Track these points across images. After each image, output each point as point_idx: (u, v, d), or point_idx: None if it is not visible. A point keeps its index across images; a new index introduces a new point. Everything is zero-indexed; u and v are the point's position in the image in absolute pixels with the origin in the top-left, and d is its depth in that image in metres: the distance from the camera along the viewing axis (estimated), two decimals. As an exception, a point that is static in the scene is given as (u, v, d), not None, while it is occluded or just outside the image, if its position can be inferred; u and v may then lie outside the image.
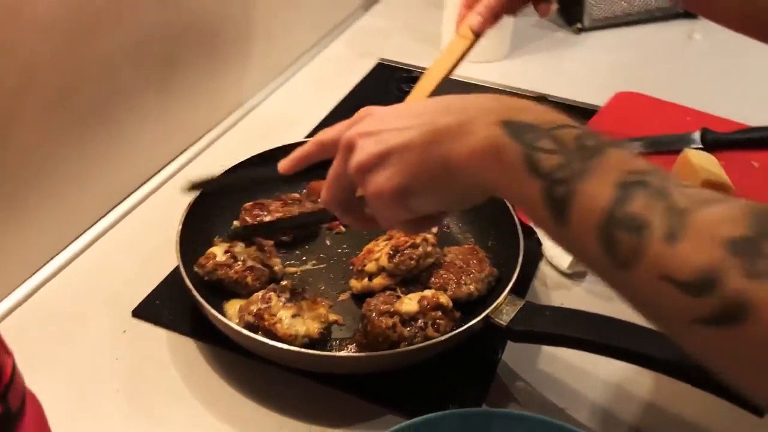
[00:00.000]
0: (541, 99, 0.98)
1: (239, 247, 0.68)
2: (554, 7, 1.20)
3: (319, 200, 0.65)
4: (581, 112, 0.97)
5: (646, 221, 0.36)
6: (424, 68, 0.75)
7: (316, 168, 0.54)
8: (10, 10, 0.60)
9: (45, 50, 0.64)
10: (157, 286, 0.70)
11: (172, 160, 0.87)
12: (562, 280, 0.73)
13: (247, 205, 0.74)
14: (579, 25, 1.19)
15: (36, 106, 0.65)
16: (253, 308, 0.63)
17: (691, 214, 0.35)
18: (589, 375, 0.63)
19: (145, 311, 0.67)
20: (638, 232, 0.36)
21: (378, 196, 0.47)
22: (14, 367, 0.35)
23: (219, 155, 0.88)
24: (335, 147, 0.50)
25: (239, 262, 0.66)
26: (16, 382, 0.35)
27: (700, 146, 0.91)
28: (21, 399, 0.36)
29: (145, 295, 0.69)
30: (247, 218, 0.73)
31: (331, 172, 0.50)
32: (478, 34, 0.75)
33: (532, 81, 1.05)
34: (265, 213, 0.74)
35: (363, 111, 0.50)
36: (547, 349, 0.66)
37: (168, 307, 0.68)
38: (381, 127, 0.47)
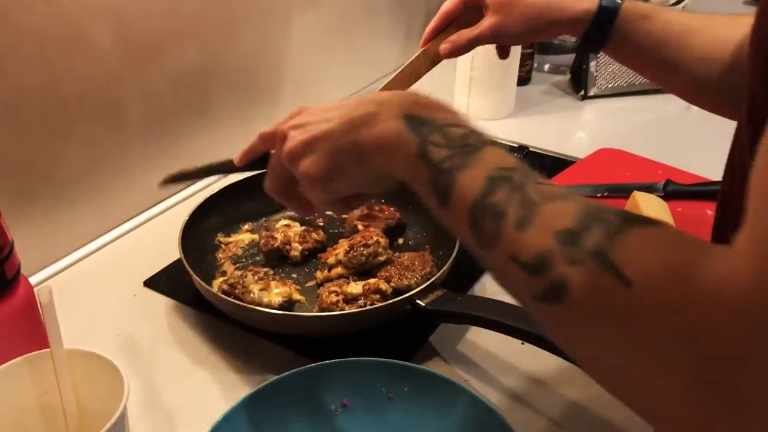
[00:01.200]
0: (522, 148, 1.12)
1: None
2: (567, 77, 1.35)
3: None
4: (559, 162, 1.10)
5: (503, 210, 0.42)
6: None
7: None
8: (74, 37, 0.81)
9: (98, 73, 0.85)
10: (165, 267, 0.87)
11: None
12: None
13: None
14: (582, 93, 1.33)
15: (91, 116, 0.86)
16: (231, 280, 0.79)
17: (538, 206, 0.41)
18: (499, 359, 0.74)
19: (153, 283, 0.85)
20: (497, 219, 0.43)
21: (306, 179, 0.55)
22: (12, 248, 0.52)
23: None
24: (273, 139, 0.59)
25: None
26: (11, 259, 0.52)
27: (661, 194, 1.02)
28: (16, 271, 0.52)
29: (155, 273, 0.86)
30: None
31: (271, 161, 0.60)
32: (443, 58, 0.83)
33: (528, 136, 1.19)
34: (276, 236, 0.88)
35: (297, 109, 0.58)
36: (470, 337, 0.77)
37: (170, 282, 0.84)
38: (308, 120, 0.55)
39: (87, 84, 0.84)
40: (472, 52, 1.17)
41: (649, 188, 1.03)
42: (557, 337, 0.41)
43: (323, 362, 0.66)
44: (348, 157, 0.53)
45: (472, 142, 0.47)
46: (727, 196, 0.56)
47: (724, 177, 0.57)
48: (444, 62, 0.94)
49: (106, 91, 0.87)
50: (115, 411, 0.45)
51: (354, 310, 0.75)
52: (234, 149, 1.08)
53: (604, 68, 1.33)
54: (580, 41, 0.79)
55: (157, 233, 0.95)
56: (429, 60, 0.84)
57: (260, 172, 0.66)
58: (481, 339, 0.77)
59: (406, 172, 0.50)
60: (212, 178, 0.97)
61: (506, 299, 0.70)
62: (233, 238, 0.92)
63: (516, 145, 1.14)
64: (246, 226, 0.93)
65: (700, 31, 0.76)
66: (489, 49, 1.19)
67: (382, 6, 1.34)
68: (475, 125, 0.50)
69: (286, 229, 0.89)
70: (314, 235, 0.89)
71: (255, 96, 1.10)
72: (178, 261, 0.86)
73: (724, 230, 0.57)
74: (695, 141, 1.19)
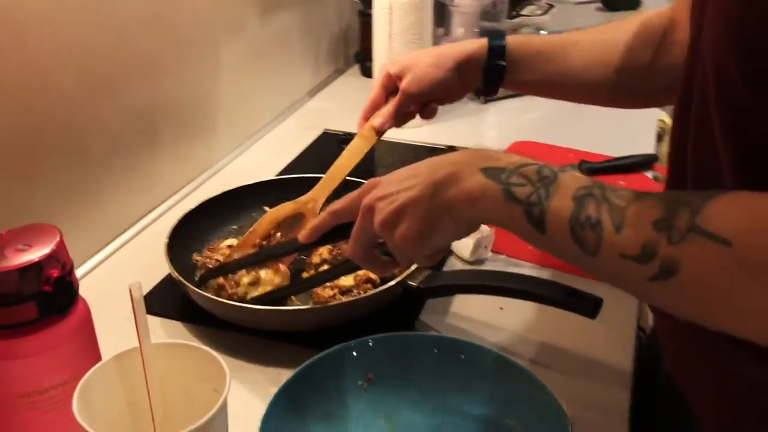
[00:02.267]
0: (451, 149, 1.23)
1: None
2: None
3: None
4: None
5: (598, 220, 0.50)
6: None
7: (330, 235, 0.72)
8: (41, 82, 0.83)
9: (61, 113, 0.87)
10: (150, 290, 0.89)
11: (154, 208, 1.08)
12: (465, 266, 0.94)
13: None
14: (484, 96, 1.47)
15: (53, 154, 0.87)
16: (221, 281, 0.84)
17: (626, 209, 0.49)
18: (484, 323, 0.84)
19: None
20: (595, 229, 0.50)
21: (403, 243, 0.61)
22: (72, 266, 0.55)
23: (191, 205, 1.09)
24: (347, 214, 0.65)
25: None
26: (73, 273, 0.55)
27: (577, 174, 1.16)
28: (77, 286, 0.55)
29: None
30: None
31: (354, 232, 0.64)
32: (380, 134, 0.92)
33: (447, 139, 1.30)
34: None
35: (369, 183, 0.63)
36: (454, 310, 0.86)
37: (160, 302, 0.86)
38: (390, 190, 0.60)
39: (50, 124, 0.86)
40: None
41: (566, 169, 1.17)
42: (675, 306, 0.50)
43: (340, 345, 0.72)
44: (440, 216, 0.59)
45: (547, 174, 0.55)
46: (677, 177, 0.65)
47: (670, 163, 0.68)
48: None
49: (69, 129, 0.89)
50: (209, 402, 0.49)
51: (354, 297, 0.81)
52: (183, 175, 1.12)
53: (501, 73, 1.48)
54: (482, 84, 0.91)
55: (130, 261, 0.97)
56: (368, 140, 0.93)
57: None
58: (465, 310, 0.86)
59: (498, 216, 0.56)
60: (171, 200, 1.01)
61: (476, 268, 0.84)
62: (210, 253, 0.94)
63: (445, 147, 1.25)
64: (227, 242, 0.95)
65: (578, 43, 0.88)
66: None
67: (293, 34, 1.42)
68: (538, 161, 0.58)
69: (231, 250, 0.91)
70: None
71: (197, 124, 1.15)
72: (161, 282, 0.90)
73: None
74: (589, 126, 1.36)
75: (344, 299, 0.82)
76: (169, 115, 1.07)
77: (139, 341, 0.50)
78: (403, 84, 0.91)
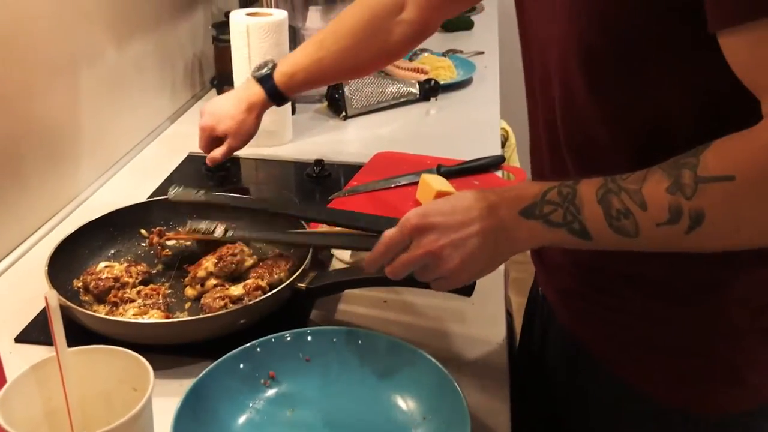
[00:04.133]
0: (319, 162, 1.29)
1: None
2: (324, 104, 1.55)
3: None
4: (350, 168, 1.30)
5: (626, 209, 0.61)
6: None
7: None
8: None
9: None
10: (32, 320, 0.87)
11: (20, 244, 1.04)
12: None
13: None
14: (344, 114, 1.54)
15: None
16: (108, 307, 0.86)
17: (641, 189, 0.60)
18: (372, 316, 0.90)
19: (26, 336, 0.85)
20: (628, 216, 0.61)
21: (456, 281, 0.70)
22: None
23: (59, 238, 1.07)
24: (399, 249, 0.69)
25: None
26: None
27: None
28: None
29: (23, 327, 0.86)
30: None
31: (408, 262, 0.69)
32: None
33: (313, 154, 1.36)
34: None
35: (419, 221, 0.68)
36: (342, 308, 0.91)
37: (45, 331, 0.83)
38: (452, 237, 0.67)
39: None
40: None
41: (428, 173, 1.26)
42: (715, 243, 0.61)
43: (240, 348, 0.75)
44: (498, 261, 0.70)
45: (567, 191, 0.65)
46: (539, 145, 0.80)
47: (532, 137, 0.82)
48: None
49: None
50: (130, 402, 0.51)
51: (246, 304, 0.84)
52: (49, 207, 1.09)
53: (356, 91, 1.56)
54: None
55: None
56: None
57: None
58: (352, 306, 0.91)
59: (548, 242, 0.67)
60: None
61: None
62: (88, 276, 0.91)
63: (312, 161, 1.31)
64: (102, 264, 0.94)
65: (325, 57, 1.11)
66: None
67: (149, 61, 1.42)
68: (538, 182, 0.68)
69: (110, 269, 0.91)
70: (139, 267, 0.93)
71: (60, 153, 1.12)
72: (39, 315, 0.88)
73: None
74: (441, 134, 1.47)
75: (234, 307, 0.84)
76: (31, 146, 1.05)
77: (56, 349, 0.51)
78: (231, 141, 1.19)
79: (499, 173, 1.30)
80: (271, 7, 1.60)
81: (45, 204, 1.09)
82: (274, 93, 1.15)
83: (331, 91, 1.57)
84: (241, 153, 1.37)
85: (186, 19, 1.59)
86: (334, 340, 0.76)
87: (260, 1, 1.66)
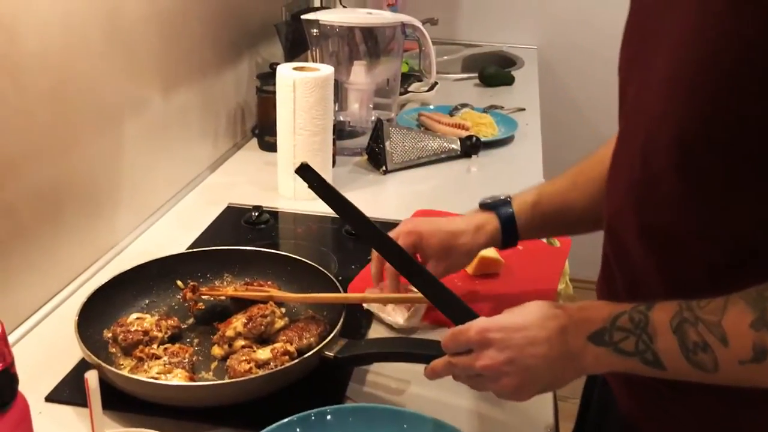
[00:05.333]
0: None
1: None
2: (364, 157, 1.54)
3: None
4: (390, 226, 1.26)
5: (704, 342, 0.57)
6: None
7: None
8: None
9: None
10: (63, 378, 0.85)
11: (59, 291, 1.03)
12: (389, 333, 0.97)
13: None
14: (384, 168, 1.53)
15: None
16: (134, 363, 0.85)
17: (721, 322, 0.56)
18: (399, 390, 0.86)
19: (57, 395, 0.82)
20: (706, 350, 0.57)
21: (509, 396, 0.70)
22: (13, 360, 0.52)
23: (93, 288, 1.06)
24: (462, 346, 0.70)
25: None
26: (14, 365, 0.52)
27: (479, 239, 1.23)
28: (16, 378, 0.52)
29: (54, 385, 0.84)
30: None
31: (466, 367, 0.70)
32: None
33: (352, 209, 1.34)
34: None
35: (483, 330, 0.68)
36: (372, 381, 0.87)
37: (74, 391, 0.83)
38: (512, 356, 0.66)
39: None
40: (293, 141, 1.33)
41: (469, 235, 1.23)
42: None
43: (276, 425, 0.71)
44: (562, 383, 0.68)
45: (638, 318, 0.61)
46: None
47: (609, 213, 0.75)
48: (255, 159, 1.05)
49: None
50: None
51: (270, 371, 0.81)
52: (88, 253, 1.08)
53: (397, 146, 1.55)
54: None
55: (36, 349, 0.92)
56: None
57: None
58: (384, 380, 0.88)
59: (618, 370, 0.64)
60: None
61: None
62: (118, 328, 0.89)
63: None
64: (134, 315, 0.93)
65: (575, 184, 0.93)
66: (308, 137, 1.35)
67: (193, 110, 1.43)
68: (609, 303, 0.65)
69: (140, 321, 0.90)
70: (170, 321, 0.92)
71: (100, 201, 1.12)
72: (74, 369, 0.86)
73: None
74: (478, 193, 1.44)
75: (260, 372, 0.81)
76: (73, 194, 1.04)
77: (94, 428, 0.48)
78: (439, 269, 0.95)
79: (544, 239, 1.26)
80: (316, 61, 1.61)
81: (82, 254, 1.09)
82: (508, 222, 0.94)
83: (371, 145, 1.56)
84: (279, 206, 1.36)
85: (231, 68, 1.60)
86: (375, 419, 0.73)
87: (306, 54, 1.68)
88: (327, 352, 0.83)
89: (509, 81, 2.28)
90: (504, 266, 1.13)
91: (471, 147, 1.63)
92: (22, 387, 0.78)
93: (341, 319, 0.88)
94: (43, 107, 0.96)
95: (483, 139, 1.67)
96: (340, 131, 1.64)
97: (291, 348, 0.85)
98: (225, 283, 1.02)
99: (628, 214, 0.69)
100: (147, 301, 0.98)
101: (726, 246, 0.61)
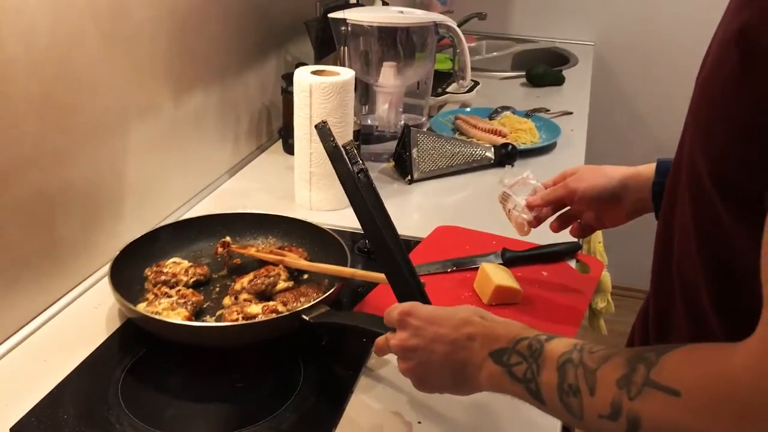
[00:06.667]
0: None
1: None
2: (391, 163, 1.46)
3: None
4: (408, 244, 1.18)
5: (577, 387, 0.57)
6: (282, 216, 1.11)
7: None
8: None
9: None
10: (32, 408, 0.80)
11: (54, 303, 0.99)
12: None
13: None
14: (409, 178, 1.44)
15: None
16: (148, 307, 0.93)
17: (597, 371, 0.56)
18: None
19: (22, 428, 0.77)
20: (576, 395, 0.57)
21: (426, 392, 0.74)
22: None
23: (95, 298, 1.02)
24: (390, 324, 0.74)
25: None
26: None
27: (501, 262, 1.13)
28: None
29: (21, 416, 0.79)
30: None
31: (381, 343, 0.76)
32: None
33: (370, 222, 1.26)
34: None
35: (401, 319, 0.72)
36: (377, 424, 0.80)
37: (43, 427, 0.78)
38: (417, 344, 0.70)
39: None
40: (310, 149, 1.26)
41: (489, 258, 1.14)
42: None
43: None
44: (464, 390, 0.70)
45: (536, 347, 0.62)
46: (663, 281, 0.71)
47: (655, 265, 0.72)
48: (278, 163, 1.02)
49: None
50: None
51: (245, 322, 0.89)
52: (80, 271, 1.04)
53: (425, 153, 1.46)
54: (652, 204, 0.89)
55: (7, 374, 0.87)
56: None
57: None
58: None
59: (506, 392, 0.65)
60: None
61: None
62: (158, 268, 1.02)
63: (346, 246, 1.20)
64: (172, 259, 1.05)
65: None
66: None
67: (209, 113, 1.37)
68: (525, 326, 0.67)
69: (174, 265, 1.02)
70: (199, 270, 1.03)
71: (98, 213, 1.07)
72: (46, 398, 0.81)
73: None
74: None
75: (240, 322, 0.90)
76: (66, 208, 0.99)
77: None
78: (569, 180, 0.97)
79: (572, 263, 1.16)
80: (344, 61, 1.53)
81: (78, 267, 1.04)
82: (666, 167, 0.81)
83: (398, 151, 1.47)
84: (294, 216, 1.29)
85: (256, 68, 1.54)
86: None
87: (336, 53, 1.60)
88: (303, 315, 0.88)
89: (559, 81, 2.15)
90: (523, 296, 1.03)
91: (506, 156, 1.52)
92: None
93: (331, 290, 0.95)
94: (31, 115, 0.91)
95: (520, 147, 1.57)
96: (368, 135, 1.56)
97: (282, 308, 0.93)
98: (266, 244, 1.14)
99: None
100: (195, 250, 1.11)
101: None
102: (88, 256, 1.06)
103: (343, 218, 1.28)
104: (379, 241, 0.84)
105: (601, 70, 2.53)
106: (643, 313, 0.78)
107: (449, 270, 1.11)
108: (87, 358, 0.88)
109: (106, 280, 1.05)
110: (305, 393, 0.83)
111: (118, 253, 0.99)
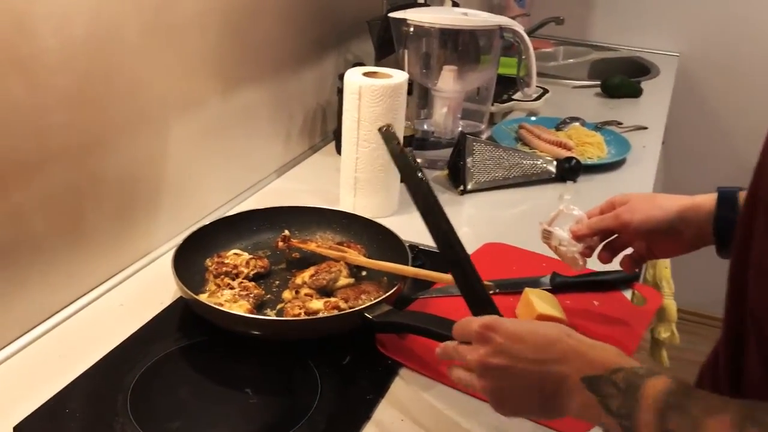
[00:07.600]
0: (413, 248, 1.12)
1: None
2: (445, 171, 1.39)
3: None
4: (450, 262, 1.11)
5: None
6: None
7: None
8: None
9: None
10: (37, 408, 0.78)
11: (78, 298, 0.97)
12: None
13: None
14: (462, 188, 1.37)
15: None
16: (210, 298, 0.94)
17: (704, 422, 0.53)
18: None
19: (26, 427, 0.75)
20: None
21: (502, 413, 0.69)
22: None
23: (119, 297, 1.00)
24: (465, 336, 0.70)
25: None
26: None
27: (549, 287, 1.05)
28: None
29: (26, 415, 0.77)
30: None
31: (460, 351, 0.70)
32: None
33: (413, 234, 1.19)
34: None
35: (489, 325, 0.67)
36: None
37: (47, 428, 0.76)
38: (504, 363, 0.66)
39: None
40: (356, 154, 1.20)
41: (536, 282, 1.06)
42: None
43: None
44: (549, 414, 0.67)
45: (634, 381, 0.59)
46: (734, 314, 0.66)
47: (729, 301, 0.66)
48: (330, 165, 0.95)
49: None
50: None
51: (308, 318, 0.89)
52: (110, 267, 1.02)
53: (480, 163, 1.38)
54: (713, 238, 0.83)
55: (21, 370, 0.86)
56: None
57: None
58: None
59: (596, 422, 0.62)
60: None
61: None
62: (219, 259, 1.02)
63: (407, 245, 1.15)
64: (233, 250, 1.06)
65: None
66: (372, 151, 1.22)
67: (260, 110, 1.34)
68: (620, 352, 0.64)
69: (235, 257, 1.02)
70: (260, 262, 1.03)
71: (132, 209, 1.05)
72: (52, 399, 0.79)
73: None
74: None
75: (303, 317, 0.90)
76: (97, 202, 0.97)
77: None
78: (621, 210, 0.89)
79: (627, 293, 1.06)
80: (403, 62, 1.47)
81: (106, 263, 1.02)
82: (729, 199, 0.81)
83: (453, 159, 1.40)
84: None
85: (314, 66, 1.50)
86: None
87: (395, 55, 1.54)
88: (367, 314, 0.88)
89: (636, 93, 2.03)
90: (566, 322, 0.95)
91: (568, 171, 1.43)
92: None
93: (394, 289, 0.94)
94: (63, 107, 0.89)
95: (586, 162, 1.47)
96: (423, 141, 1.50)
97: (343, 305, 0.93)
98: (324, 239, 1.13)
99: None
100: (255, 241, 1.11)
101: None
102: (118, 253, 1.04)
103: (389, 225, 1.23)
104: (451, 247, 0.83)
105: (683, 83, 2.37)
106: (714, 355, 0.72)
107: (491, 292, 1.03)
108: (100, 360, 0.86)
109: (135, 278, 1.04)
110: (317, 418, 0.78)
111: (181, 241, 1.00)
